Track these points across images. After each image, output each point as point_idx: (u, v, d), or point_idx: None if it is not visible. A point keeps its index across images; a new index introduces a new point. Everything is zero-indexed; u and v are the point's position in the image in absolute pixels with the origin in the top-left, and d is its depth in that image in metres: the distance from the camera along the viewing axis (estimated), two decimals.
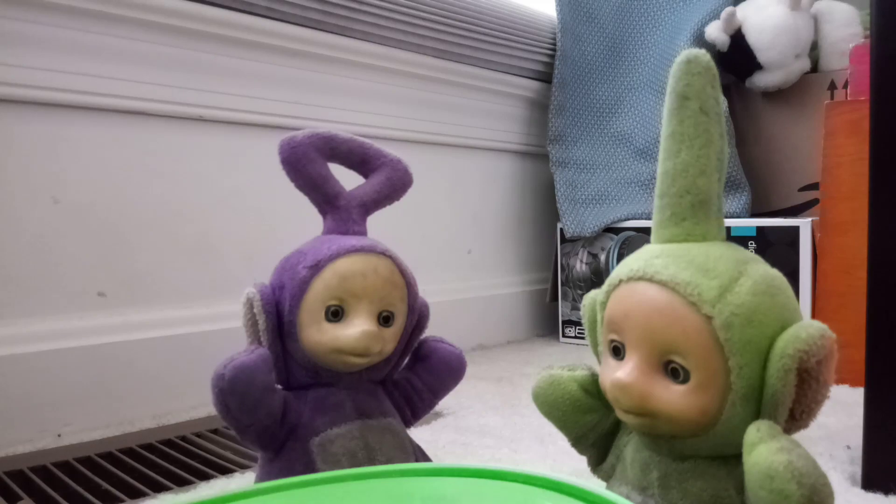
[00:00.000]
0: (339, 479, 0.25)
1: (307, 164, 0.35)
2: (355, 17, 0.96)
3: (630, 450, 0.27)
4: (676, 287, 0.24)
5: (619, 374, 0.24)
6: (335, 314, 0.32)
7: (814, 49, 1.20)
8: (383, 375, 0.35)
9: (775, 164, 1.23)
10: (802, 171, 1.19)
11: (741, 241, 1.05)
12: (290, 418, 0.33)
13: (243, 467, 0.62)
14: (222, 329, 0.83)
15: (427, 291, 0.37)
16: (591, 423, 0.28)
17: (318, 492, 0.24)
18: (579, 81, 1.30)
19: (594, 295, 0.28)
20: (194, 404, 0.79)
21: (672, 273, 0.24)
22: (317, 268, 0.32)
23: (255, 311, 0.32)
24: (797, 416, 0.23)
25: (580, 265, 1.22)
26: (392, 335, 0.33)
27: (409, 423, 0.37)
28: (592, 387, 0.28)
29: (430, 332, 0.38)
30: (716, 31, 1.18)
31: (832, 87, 1.17)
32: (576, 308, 1.23)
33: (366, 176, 0.38)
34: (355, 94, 1.00)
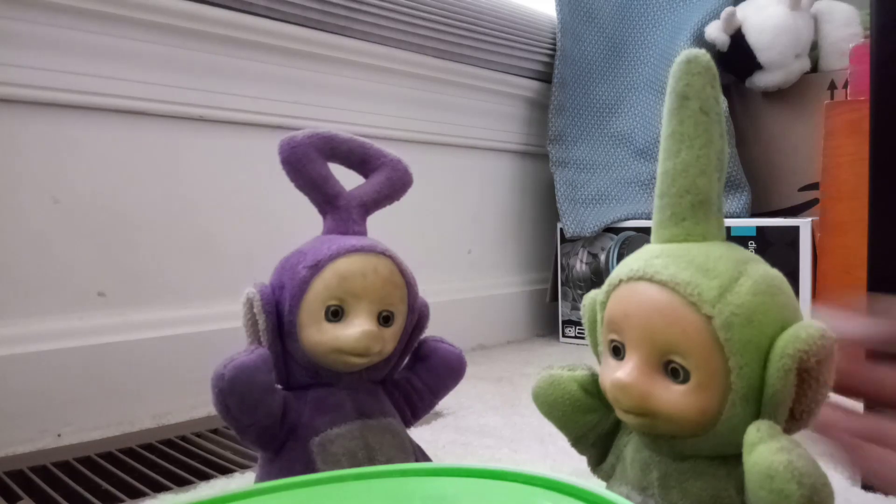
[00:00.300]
0: (339, 479, 0.25)
1: (307, 164, 0.35)
2: (355, 17, 0.96)
3: (630, 450, 0.27)
4: (677, 287, 0.24)
5: (619, 374, 0.24)
6: (335, 314, 0.32)
7: (814, 49, 1.20)
8: (383, 375, 0.35)
9: (775, 164, 1.23)
10: (802, 171, 1.19)
11: (741, 241, 1.05)
12: (289, 418, 0.33)
13: (243, 467, 0.62)
14: (222, 329, 0.83)
15: (427, 291, 0.37)
16: (591, 423, 0.28)
17: (318, 492, 0.24)
18: (579, 81, 1.30)
19: (594, 295, 0.28)
20: (194, 404, 0.79)
21: (672, 273, 0.24)
22: (317, 268, 0.32)
23: (255, 310, 0.32)
24: (797, 416, 0.23)
25: (580, 265, 1.22)
26: (392, 335, 0.33)
27: (409, 423, 0.37)
28: (592, 387, 0.28)
29: (430, 331, 0.38)
30: (716, 31, 1.18)
31: (832, 87, 1.17)
32: (576, 308, 1.23)
33: (366, 176, 0.38)
34: (355, 94, 1.00)
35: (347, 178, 0.38)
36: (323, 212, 0.36)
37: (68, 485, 0.58)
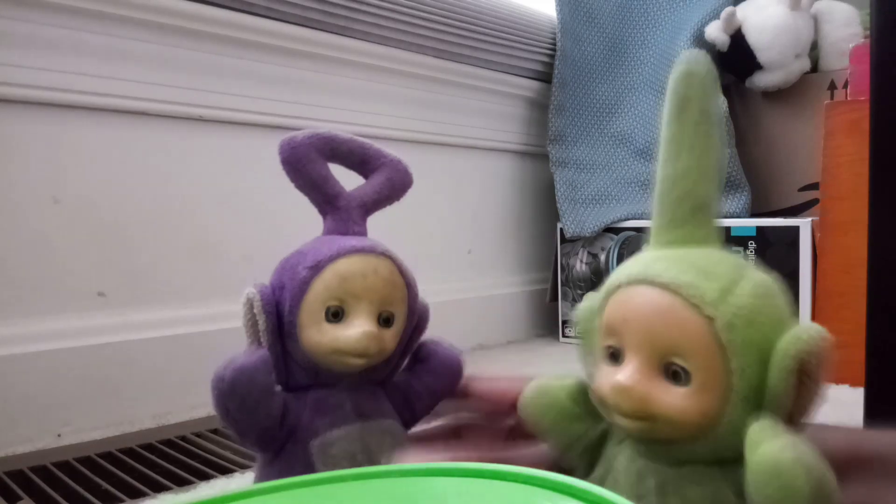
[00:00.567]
0: (339, 479, 0.25)
1: (307, 164, 0.35)
2: (355, 17, 0.96)
3: (622, 460, 0.27)
4: (678, 289, 0.23)
5: (619, 377, 0.24)
6: (335, 315, 0.32)
7: (814, 49, 1.20)
8: (384, 377, 0.35)
9: (775, 164, 1.23)
10: (802, 171, 1.19)
11: (741, 241, 1.05)
12: (289, 420, 0.33)
13: (243, 467, 0.62)
14: (222, 329, 0.83)
15: (427, 291, 0.37)
16: (579, 432, 0.28)
17: (318, 492, 0.24)
18: (579, 81, 1.30)
19: (590, 304, 0.28)
20: (194, 404, 0.79)
21: (673, 275, 0.24)
22: (317, 268, 0.32)
23: (255, 311, 0.32)
24: (794, 417, 0.23)
25: (580, 265, 1.22)
26: (392, 336, 0.33)
27: (408, 425, 0.36)
28: (581, 396, 0.28)
29: (430, 332, 0.38)
30: (716, 31, 1.18)
31: (832, 87, 1.17)
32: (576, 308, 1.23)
33: (366, 176, 0.38)
34: (355, 94, 1.00)
35: (348, 179, 0.38)
36: (323, 212, 0.36)
37: (68, 485, 0.58)
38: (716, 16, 1.20)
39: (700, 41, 1.21)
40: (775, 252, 1.02)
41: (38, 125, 0.71)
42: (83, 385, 0.72)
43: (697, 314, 0.23)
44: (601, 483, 0.27)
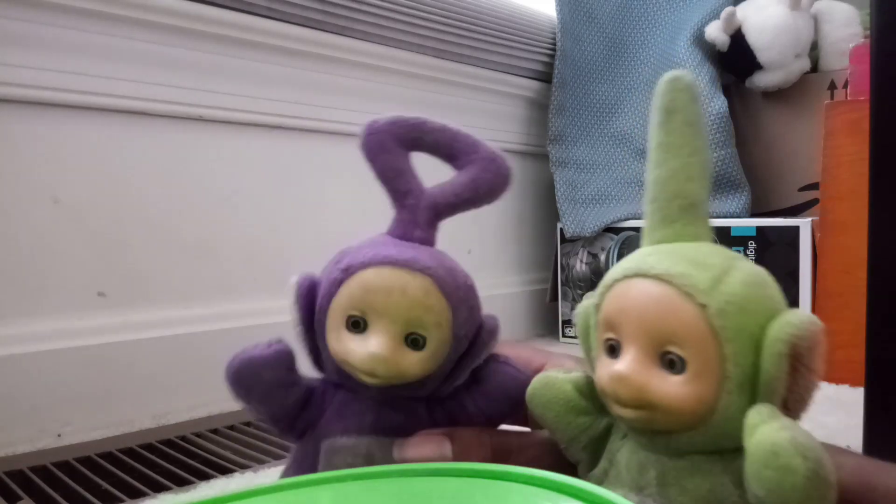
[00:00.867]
0: (339, 479, 0.25)
1: (381, 153, 0.32)
2: (355, 17, 0.96)
3: (624, 453, 0.27)
4: (671, 279, 0.24)
5: (617, 366, 0.25)
6: (356, 325, 0.29)
7: (814, 49, 1.20)
8: (423, 395, 0.32)
9: (775, 164, 1.23)
10: (802, 171, 1.19)
11: (741, 241, 1.05)
12: (312, 411, 0.31)
13: (243, 467, 0.62)
14: (222, 329, 0.83)
15: None
16: (584, 425, 0.28)
17: (318, 492, 0.24)
18: (579, 81, 1.30)
19: (587, 302, 0.28)
20: (194, 404, 0.79)
21: (666, 267, 0.25)
22: (347, 272, 0.30)
23: (290, 301, 0.30)
24: (790, 405, 0.24)
25: (580, 265, 1.22)
26: (419, 360, 0.29)
27: None
28: (587, 389, 0.28)
29: None
30: (716, 31, 1.18)
31: (832, 87, 1.17)
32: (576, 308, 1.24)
33: (459, 171, 0.33)
34: (355, 94, 1.00)
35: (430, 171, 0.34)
36: (394, 209, 0.33)
37: (68, 485, 0.58)
38: (716, 16, 1.20)
39: (700, 41, 1.21)
40: (775, 252, 1.02)
41: (38, 125, 0.71)
42: (83, 385, 0.72)
43: (691, 302, 0.24)
44: (605, 476, 0.28)
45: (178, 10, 0.78)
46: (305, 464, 0.31)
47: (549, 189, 1.28)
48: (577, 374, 0.29)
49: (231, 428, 0.74)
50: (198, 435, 0.71)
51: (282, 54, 0.90)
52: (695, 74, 1.20)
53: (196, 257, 0.83)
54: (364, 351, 0.29)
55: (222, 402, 0.81)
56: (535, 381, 0.29)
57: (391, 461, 0.30)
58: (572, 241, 1.23)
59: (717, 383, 0.24)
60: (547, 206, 1.32)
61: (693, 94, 0.28)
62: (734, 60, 1.20)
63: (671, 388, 0.24)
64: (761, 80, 1.19)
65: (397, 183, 0.32)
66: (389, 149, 0.32)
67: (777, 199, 1.23)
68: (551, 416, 0.29)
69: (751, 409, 0.23)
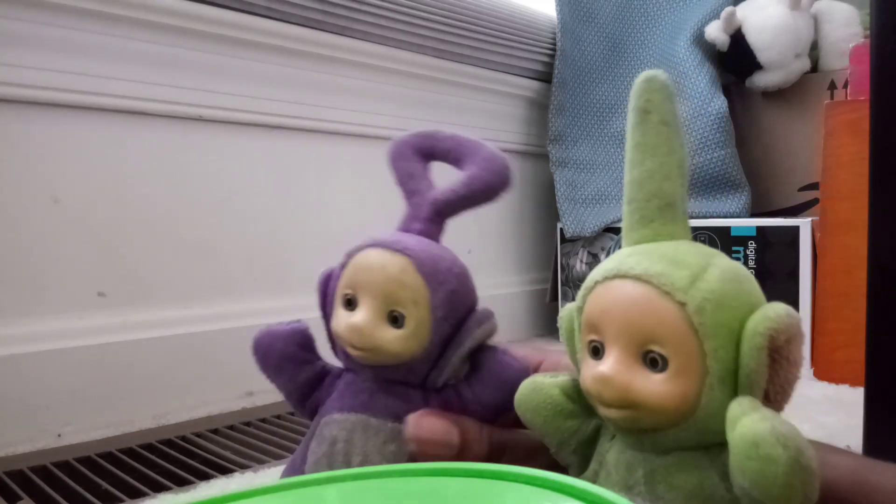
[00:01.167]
0: (338, 479, 0.25)
1: (398, 160, 0.36)
2: (355, 17, 0.96)
3: (613, 454, 0.27)
4: (650, 279, 0.25)
5: (600, 367, 0.25)
6: (349, 303, 0.33)
7: (814, 49, 1.20)
8: (415, 381, 0.33)
9: (775, 164, 1.23)
10: (802, 171, 1.19)
11: (741, 241, 1.05)
12: (321, 391, 0.34)
13: (243, 467, 0.62)
14: (222, 329, 0.83)
15: None
16: (573, 428, 0.29)
17: (318, 491, 0.24)
18: (579, 81, 1.30)
19: (570, 306, 0.28)
20: (194, 404, 0.79)
21: (645, 267, 0.25)
22: (349, 256, 0.33)
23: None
24: (771, 397, 0.24)
25: (580, 265, 1.22)
26: (399, 337, 0.31)
27: None
28: (574, 392, 0.29)
29: None
30: (716, 31, 1.18)
31: (832, 86, 1.17)
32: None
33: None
34: (355, 94, 1.00)
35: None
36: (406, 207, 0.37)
37: (68, 485, 0.58)
38: (716, 16, 1.20)
39: (700, 41, 1.21)
40: (775, 252, 1.02)
41: (38, 125, 0.71)
42: (83, 385, 0.72)
43: (670, 301, 0.24)
44: (595, 478, 0.28)
45: (178, 10, 0.78)
46: (307, 439, 0.34)
47: (549, 189, 1.28)
48: (563, 377, 0.29)
49: (231, 428, 0.74)
50: (198, 435, 0.71)
51: (282, 54, 0.90)
52: (695, 74, 1.20)
53: (196, 257, 0.83)
54: (341, 321, 0.32)
55: (222, 402, 0.81)
56: (523, 387, 0.29)
57: (366, 442, 0.32)
58: (572, 241, 1.23)
59: (698, 379, 0.24)
60: (547, 206, 1.32)
61: (668, 94, 0.28)
62: (734, 60, 1.20)
63: (654, 386, 0.24)
64: (761, 80, 1.19)
65: (409, 185, 0.36)
66: (407, 157, 0.36)
67: (777, 199, 1.23)
68: (540, 421, 0.29)
69: (732, 402, 0.23)
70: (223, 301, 0.85)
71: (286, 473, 0.35)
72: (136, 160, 0.78)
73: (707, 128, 1.15)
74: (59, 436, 0.70)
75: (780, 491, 0.21)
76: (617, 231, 1.18)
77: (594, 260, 1.20)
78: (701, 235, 1.06)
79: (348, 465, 0.32)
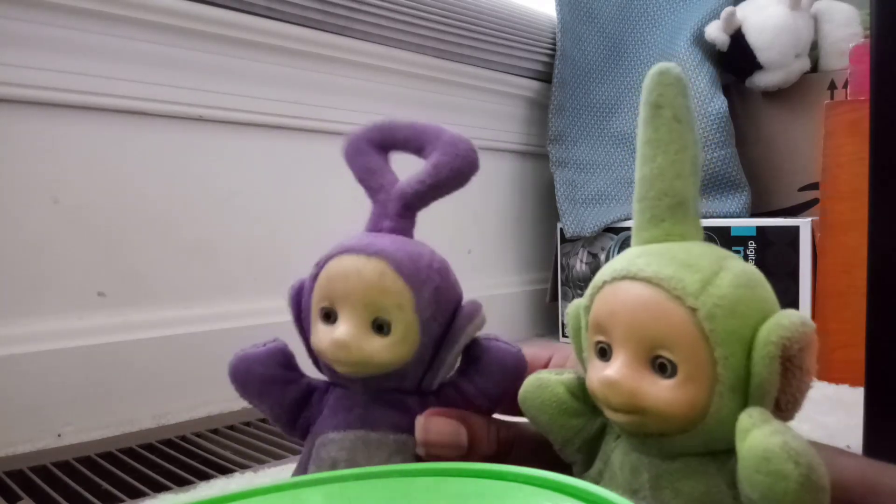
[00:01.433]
0: (338, 479, 0.25)
1: (356, 156, 0.33)
2: (355, 17, 0.96)
3: (618, 454, 0.27)
4: (661, 282, 0.24)
5: (607, 371, 0.25)
6: (328, 316, 0.30)
7: (814, 49, 1.20)
8: (409, 388, 0.31)
9: (775, 164, 1.23)
10: (802, 171, 1.19)
11: (741, 241, 1.05)
12: (311, 410, 0.32)
13: (243, 467, 0.62)
14: (222, 329, 0.83)
15: None
16: (577, 426, 0.28)
17: (318, 491, 0.24)
18: (579, 81, 1.30)
19: (578, 303, 0.28)
20: (194, 404, 0.79)
21: (655, 269, 0.24)
22: (319, 266, 0.31)
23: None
24: (783, 406, 0.23)
25: (580, 265, 1.22)
26: (388, 345, 0.29)
27: None
28: (579, 390, 0.28)
29: None
30: (716, 31, 1.18)
31: (832, 86, 1.17)
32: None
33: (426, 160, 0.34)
34: (355, 94, 1.00)
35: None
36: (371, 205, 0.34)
37: (68, 485, 0.58)
38: (716, 16, 1.19)
39: (700, 41, 1.21)
40: (775, 252, 1.02)
41: (38, 125, 0.71)
42: (83, 385, 0.72)
43: (680, 306, 0.23)
44: (599, 477, 0.28)
45: (178, 10, 0.78)
46: (304, 459, 0.32)
47: (549, 189, 1.28)
48: (569, 375, 0.28)
49: (231, 428, 0.74)
50: (198, 435, 0.71)
51: (282, 54, 0.90)
52: (695, 74, 1.20)
53: (196, 257, 0.83)
54: (325, 339, 0.29)
55: (222, 402, 0.81)
56: (527, 383, 0.29)
57: (370, 458, 0.30)
58: (572, 241, 1.23)
59: (708, 387, 0.23)
60: (547, 206, 1.32)
61: (681, 88, 0.27)
62: (734, 60, 1.20)
63: (662, 392, 0.24)
64: (761, 79, 1.19)
65: (371, 181, 0.33)
66: (364, 151, 0.33)
67: (777, 199, 1.23)
68: (545, 419, 0.28)
69: (742, 413, 0.23)
70: (223, 301, 0.85)
71: None
72: (136, 160, 0.78)
73: (707, 128, 1.15)
74: (59, 436, 0.70)
75: None
76: (617, 231, 1.18)
77: (594, 260, 1.20)
78: None
79: None
